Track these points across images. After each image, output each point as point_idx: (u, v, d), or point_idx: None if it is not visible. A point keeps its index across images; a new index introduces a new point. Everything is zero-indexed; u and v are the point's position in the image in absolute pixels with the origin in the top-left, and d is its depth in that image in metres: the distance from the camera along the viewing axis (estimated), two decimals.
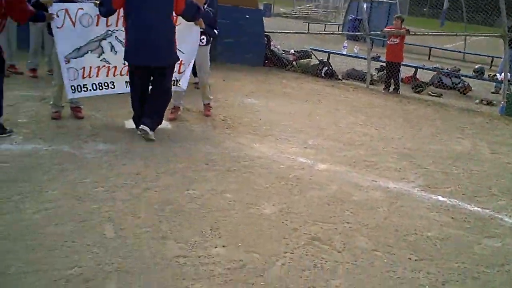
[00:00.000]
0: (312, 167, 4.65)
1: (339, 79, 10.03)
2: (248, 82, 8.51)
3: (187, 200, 3.64)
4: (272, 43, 10.75)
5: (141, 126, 4.85)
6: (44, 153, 4.29)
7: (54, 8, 4.80)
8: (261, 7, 25.86)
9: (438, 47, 16.75)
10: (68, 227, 3.05)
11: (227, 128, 5.65)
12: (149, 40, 4.71)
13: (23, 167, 3.93)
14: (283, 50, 11.17)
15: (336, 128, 6.20)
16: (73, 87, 5.11)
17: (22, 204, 3.29)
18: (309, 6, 33.79)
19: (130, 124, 5.22)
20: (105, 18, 5.00)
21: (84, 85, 5.17)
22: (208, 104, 6.15)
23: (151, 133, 4.86)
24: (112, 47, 5.21)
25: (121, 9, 4.81)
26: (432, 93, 9.60)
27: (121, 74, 5.39)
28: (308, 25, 22.30)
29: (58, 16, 4.82)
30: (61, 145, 4.51)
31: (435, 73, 10.44)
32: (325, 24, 24.83)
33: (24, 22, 4.98)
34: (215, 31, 5.87)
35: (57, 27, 4.85)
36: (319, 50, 11.18)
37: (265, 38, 10.52)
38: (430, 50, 16.35)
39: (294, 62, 10.63)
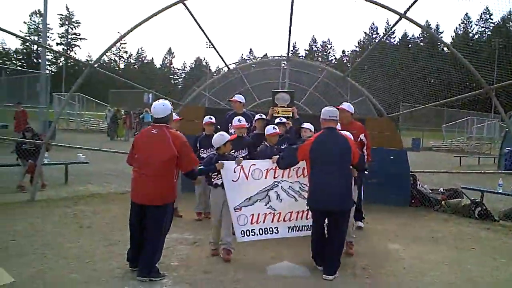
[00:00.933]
0: None
1: (496, 220, 9.17)
2: (392, 225, 8.25)
3: None
4: (418, 182, 10.49)
5: (324, 276, 5.32)
6: None
7: (231, 165, 5.73)
8: (410, 141, 25.91)
9: None
10: None
11: (367, 278, 5.47)
12: (331, 187, 5.30)
13: None
14: (431, 189, 10.76)
15: (494, 282, 5.58)
16: (242, 232, 5.83)
17: None
18: (461, 138, 32.48)
19: (273, 270, 5.50)
20: (273, 171, 5.88)
21: (252, 229, 5.86)
22: (351, 242, 6.25)
23: (330, 277, 5.30)
24: (278, 196, 5.95)
25: None
26: None
27: (284, 220, 5.98)
28: (460, 159, 21.25)
29: (234, 172, 5.75)
30: None
31: None
32: (479, 157, 23.41)
33: (187, 171, 5.30)
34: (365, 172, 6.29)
35: (233, 180, 5.76)
36: (470, 189, 10.46)
37: (411, 178, 10.34)
38: None
39: (443, 202, 10.10)
